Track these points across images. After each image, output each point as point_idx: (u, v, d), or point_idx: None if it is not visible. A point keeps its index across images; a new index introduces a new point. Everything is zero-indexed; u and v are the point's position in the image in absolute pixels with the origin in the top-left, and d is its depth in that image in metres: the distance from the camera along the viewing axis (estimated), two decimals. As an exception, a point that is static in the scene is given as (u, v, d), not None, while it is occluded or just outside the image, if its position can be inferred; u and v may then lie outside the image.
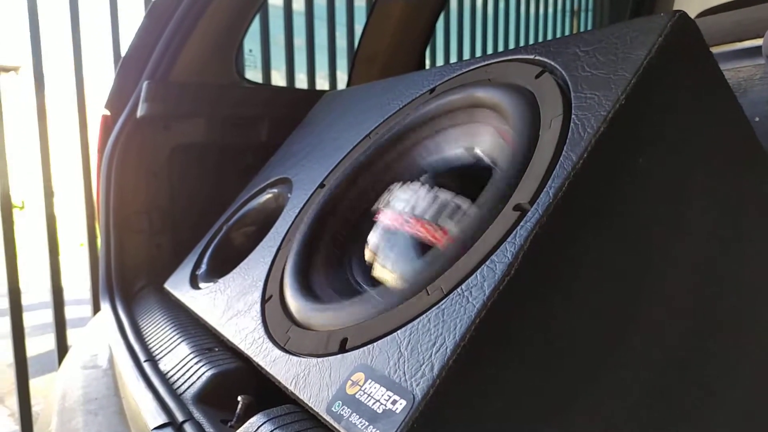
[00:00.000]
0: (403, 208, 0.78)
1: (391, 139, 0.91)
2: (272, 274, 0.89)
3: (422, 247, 0.72)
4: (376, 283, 0.77)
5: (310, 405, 0.60)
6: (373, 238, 0.80)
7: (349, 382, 0.58)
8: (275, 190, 1.21)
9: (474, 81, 0.84)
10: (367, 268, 0.80)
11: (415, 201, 0.76)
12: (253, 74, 2.84)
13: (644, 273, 0.59)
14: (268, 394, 0.72)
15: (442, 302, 0.56)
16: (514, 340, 0.52)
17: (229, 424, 0.74)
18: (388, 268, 0.76)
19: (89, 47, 2.21)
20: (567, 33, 5.05)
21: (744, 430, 0.67)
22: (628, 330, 0.58)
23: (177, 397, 0.82)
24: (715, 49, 0.96)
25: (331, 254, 0.86)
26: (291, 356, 0.69)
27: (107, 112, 1.50)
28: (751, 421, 0.68)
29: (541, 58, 0.75)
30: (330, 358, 0.63)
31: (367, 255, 0.81)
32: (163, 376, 0.90)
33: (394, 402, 0.51)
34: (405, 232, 0.75)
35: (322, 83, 3.09)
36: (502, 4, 4.42)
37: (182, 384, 0.85)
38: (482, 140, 0.80)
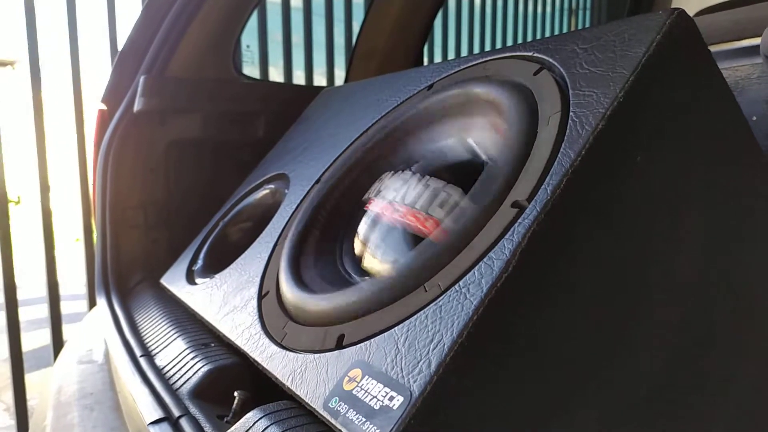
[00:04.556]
0: (393, 197, 0.77)
1: (388, 135, 0.91)
2: (269, 269, 0.89)
3: (412, 238, 0.72)
4: (366, 274, 0.76)
5: (306, 401, 0.60)
6: (363, 228, 0.80)
7: (346, 378, 0.58)
8: (272, 186, 1.21)
9: (472, 78, 0.84)
10: (358, 258, 0.80)
11: (405, 190, 0.76)
12: (251, 70, 2.84)
13: (642, 270, 0.59)
14: (264, 389, 0.72)
15: (439, 299, 0.56)
16: (512, 338, 0.52)
17: (225, 419, 0.74)
18: (378, 259, 0.75)
19: (86, 42, 2.20)
20: (565, 31, 5.05)
21: (744, 429, 0.67)
22: (627, 327, 0.58)
23: (173, 392, 0.82)
24: (713, 48, 0.96)
25: (323, 246, 0.86)
26: (288, 352, 0.69)
27: (104, 107, 1.49)
28: (752, 419, 0.68)
29: (539, 56, 0.75)
30: (327, 354, 0.63)
31: (357, 245, 0.80)
32: (159, 372, 0.90)
33: (392, 398, 0.51)
34: (395, 221, 0.75)
35: (319, 80, 3.09)
36: (500, 2, 4.42)
37: (178, 379, 0.85)
38: (479, 136, 0.80)
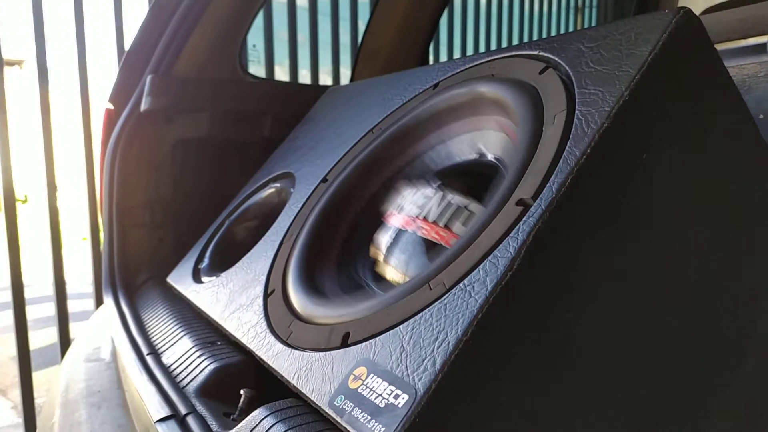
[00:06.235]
0: (416, 213, 0.77)
1: (396, 136, 0.91)
2: (275, 268, 0.89)
3: (433, 250, 0.72)
4: (380, 280, 0.77)
5: (312, 399, 0.61)
6: (383, 238, 0.80)
7: (352, 377, 0.58)
8: (278, 185, 1.21)
9: (477, 76, 0.84)
10: (372, 265, 0.80)
11: (428, 206, 0.76)
12: (257, 69, 2.84)
13: (646, 268, 0.59)
14: (270, 387, 0.72)
15: (444, 297, 0.57)
16: (517, 336, 0.53)
17: (231, 417, 0.75)
18: (396, 267, 0.76)
19: (93, 41, 2.21)
20: (571, 30, 5.04)
21: (748, 429, 0.67)
22: (631, 325, 0.58)
23: (180, 390, 0.82)
24: (719, 47, 0.96)
25: (336, 251, 0.86)
26: (293, 350, 0.69)
27: (111, 106, 1.50)
28: (752, 424, 0.68)
29: (545, 54, 0.75)
30: (332, 352, 0.63)
31: (373, 253, 0.81)
32: (165, 370, 0.90)
33: (397, 396, 0.52)
34: (417, 235, 0.75)
35: (325, 79, 3.09)
36: (505, 1, 4.41)
37: (185, 377, 0.85)
38: (486, 136, 0.80)
